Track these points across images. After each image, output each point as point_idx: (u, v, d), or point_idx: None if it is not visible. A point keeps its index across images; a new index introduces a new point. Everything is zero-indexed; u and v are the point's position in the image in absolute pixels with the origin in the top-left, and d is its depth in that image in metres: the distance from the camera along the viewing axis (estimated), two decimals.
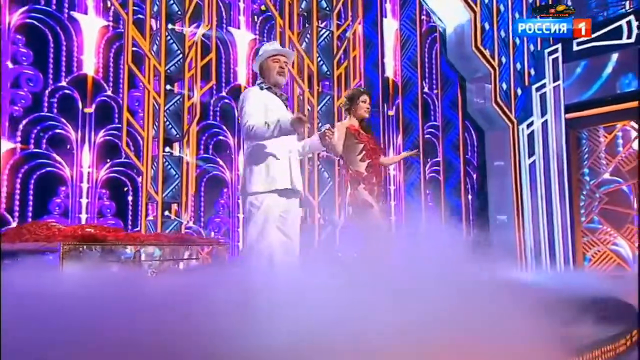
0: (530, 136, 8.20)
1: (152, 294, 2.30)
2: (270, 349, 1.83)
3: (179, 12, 6.84)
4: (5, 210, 5.78)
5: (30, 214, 5.96)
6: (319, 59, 7.79)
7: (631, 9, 8.50)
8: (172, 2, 6.77)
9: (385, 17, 8.80)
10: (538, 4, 8.23)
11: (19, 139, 5.94)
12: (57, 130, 6.23)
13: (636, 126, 8.32)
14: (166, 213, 6.61)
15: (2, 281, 2.17)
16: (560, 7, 6.75)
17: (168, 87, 6.75)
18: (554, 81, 8.40)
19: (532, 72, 8.54)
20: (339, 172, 7.27)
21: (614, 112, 8.18)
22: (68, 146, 6.30)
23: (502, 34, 8.02)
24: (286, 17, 7.70)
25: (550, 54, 8.40)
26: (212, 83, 7.09)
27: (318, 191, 7.48)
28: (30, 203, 5.99)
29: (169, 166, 6.61)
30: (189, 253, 5.44)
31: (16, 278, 2.53)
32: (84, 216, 6.29)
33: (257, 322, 1.86)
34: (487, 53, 7.77)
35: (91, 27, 6.57)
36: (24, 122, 5.98)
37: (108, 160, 6.53)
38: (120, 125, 6.50)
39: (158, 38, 6.67)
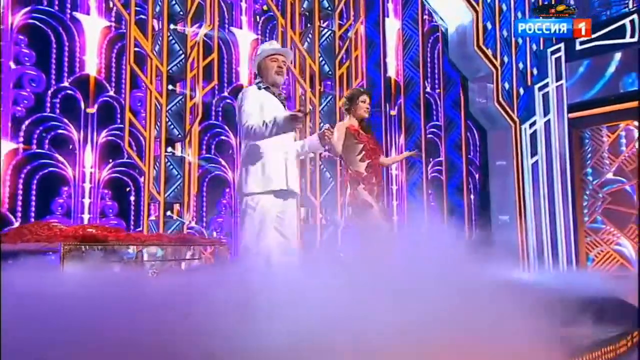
0: (533, 136, 8.18)
1: (151, 294, 2.30)
2: (269, 349, 1.83)
3: (181, 13, 6.85)
4: (8, 211, 5.79)
5: (32, 214, 5.98)
6: (321, 58, 7.79)
7: (634, 8, 8.46)
8: (174, 2, 6.78)
9: (387, 16, 8.79)
10: (540, 4, 8.20)
11: (21, 139, 5.96)
12: (60, 131, 6.25)
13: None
14: (168, 213, 6.62)
15: (2, 281, 2.18)
16: (561, 7, 6.73)
17: (170, 87, 6.76)
18: (557, 80, 8.37)
19: (535, 71, 8.52)
20: (340, 172, 7.27)
21: (617, 111, 8.15)
22: (70, 146, 6.32)
23: (505, 33, 8.00)
24: (288, 16, 7.70)
25: (553, 53, 8.37)
26: (214, 83, 7.10)
27: (320, 191, 7.48)
28: (33, 203, 6.01)
29: (171, 166, 6.62)
30: (191, 253, 5.44)
31: (16, 278, 2.54)
32: (86, 216, 6.30)
33: (255, 322, 1.86)
34: (489, 52, 7.75)
35: (93, 27, 6.59)
36: (26, 122, 5.99)
37: (110, 161, 6.55)
38: (122, 126, 6.52)
39: (160, 38, 6.68)
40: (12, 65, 5.94)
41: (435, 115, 9.28)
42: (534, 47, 8.54)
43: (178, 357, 1.66)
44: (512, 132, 8.01)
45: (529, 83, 8.44)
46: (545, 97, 8.33)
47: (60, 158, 6.20)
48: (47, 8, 6.27)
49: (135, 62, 6.50)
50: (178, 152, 6.81)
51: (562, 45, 8.34)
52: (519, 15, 8.17)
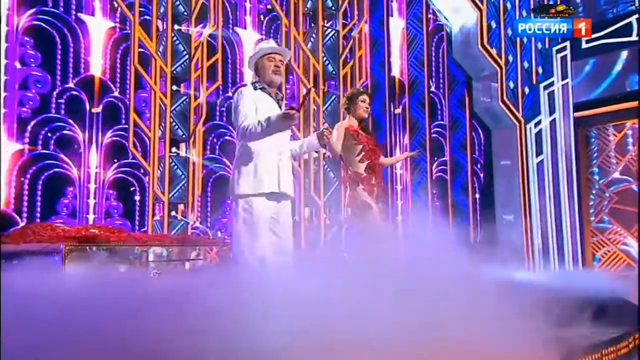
0: (538, 135, 8.12)
1: (148, 295, 2.31)
2: (264, 349, 1.83)
3: (185, 13, 6.88)
4: (14, 211, 5.84)
5: (38, 215, 6.02)
6: (325, 58, 7.78)
7: None
8: (178, 3, 6.80)
9: (392, 16, 8.77)
10: (545, 2, 8.15)
11: (27, 140, 6.00)
12: (65, 132, 6.29)
13: None
14: (173, 213, 6.64)
15: (2, 282, 2.20)
16: (561, 7, 6.68)
17: (174, 87, 6.79)
18: (563, 79, 8.30)
19: (540, 70, 8.46)
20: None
21: (624, 110, 8.07)
22: (76, 147, 6.35)
23: (509, 32, 7.95)
24: (292, 16, 7.71)
25: (558, 51, 8.30)
26: (218, 83, 7.11)
27: (324, 191, 7.48)
28: (39, 204, 6.05)
29: (176, 166, 6.65)
30: (196, 253, 5.45)
31: (16, 279, 2.56)
32: (91, 217, 6.34)
33: (250, 323, 1.87)
34: (493, 52, 7.70)
35: (98, 28, 6.62)
36: (32, 123, 6.04)
37: (115, 161, 6.58)
38: (127, 126, 6.55)
39: (164, 39, 6.70)
40: (18, 65, 5.99)
41: (440, 115, 9.25)
42: (539, 45, 8.47)
43: (172, 357, 1.67)
44: (516, 132, 7.96)
45: (534, 82, 8.38)
46: (551, 96, 8.26)
47: (66, 159, 6.24)
48: (52, 9, 6.31)
49: (139, 62, 6.53)
50: (182, 153, 6.83)
51: (567, 43, 8.27)
52: (524, 13, 8.12)
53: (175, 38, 6.73)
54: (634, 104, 7.53)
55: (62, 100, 6.31)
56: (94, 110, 6.47)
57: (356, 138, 3.77)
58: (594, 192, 8.65)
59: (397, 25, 8.87)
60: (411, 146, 8.62)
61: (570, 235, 8.04)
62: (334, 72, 7.88)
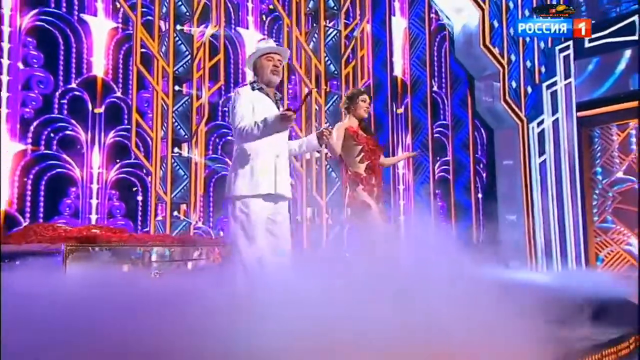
0: (541, 135, 8.09)
1: (148, 296, 2.31)
2: (260, 349, 1.83)
3: (187, 13, 6.88)
4: (17, 211, 5.86)
5: (41, 215, 6.04)
6: (327, 58, 7.78)
7: None
8: (180, 3, 6.80)
9: (394, 15, 8.76)
10: (548, 1, 8.12)
11: (29, 140, 6.02)
12: (68, 132, 6.30)
13: None
14: (175, 213, 6.65)
15: (2, 282, 2.21)
16: (560, 7, 6.66)
17: (177, 87, 6.79)
18: (565, 79, 8.27)
19: (543, 69, 8.44)
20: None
21: (627, 109, 8.04)
22: (78, 147, 6.37)
23: (512, 31, 7.93)
24: (293, 16, 7.70)
25: (561, 51, 8.28)
26: (220, 83, 7.12)
27: (326, 191, 7.48)
28: (41, 204, 6.07)
29: (178, 167, 6.65)
30: (198, 253, 5.46)
31: (17, 279, 2.57)
32: (94, 217, 6.35)
33: (247, 323, 1.87)
34: (495, 51, 7.68)
35: (101, 29, 6.63)
36: (34, 123, 6.05)
37: (117, 161, 6.60)
38: (129, 126, 6.56)
39: (166, 39, 6.71)
40: (21, 66, 6.01)
41: (442, 115, 9.23)
42: (542, 45, 8.45)
43: (168, 357, 1.67)
44: (519, 131, 7.94)
45: (537, 81, 8.36)
46: (554, 95, 8.23)
47: (68, 159, 6.25)
48: (54, 10, 6.33)
49: (142, 63, 6.54)
50: (185, 153, 6.83)
51: (570, 43, 8.24)
52: (527, 13, 8.09)
53: (177, 38, 6.73)
54: (638, 103, 7.49)
55: (65, 101, 6.32)
56: (96, 110, 6.49)
57: (356, 139, 3.76)
58: (597, 192, 8.62)
59: (399, 25, 8.85)
60: (413, 146, 8.60)
61: (573, 235, 8.02)
62: (336, 72, 7.88)
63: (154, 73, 6.62)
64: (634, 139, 8.46)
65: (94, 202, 6.38)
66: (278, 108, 3.11)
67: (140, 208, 6.75)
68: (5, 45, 5.92)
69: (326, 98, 7.71)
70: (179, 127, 6.70)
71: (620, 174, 8.49)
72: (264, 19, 7.94)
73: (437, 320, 2.38)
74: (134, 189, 6.69)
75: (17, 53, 5.98)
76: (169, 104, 6.63)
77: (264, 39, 7.75)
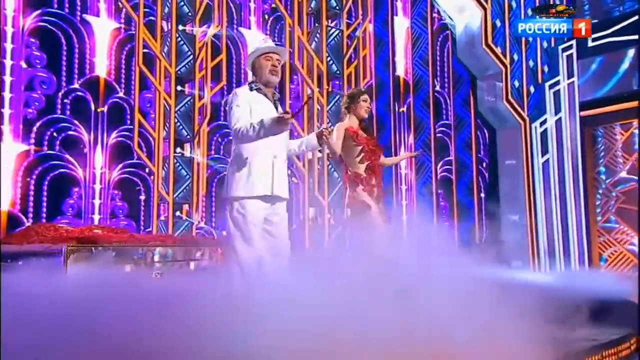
0: (544, 134, 8.06)
1: (147, 296, 2.32)
2: (254, 349, 1.84)
3: (190, 14, 6.89)
4: (20, 212, 5.88)
5: (44, 215, 6.06)
6: (329, 58, 7.77)
7: None
8: (182, 3, 6.81)
9: (396, 15, 8.74)
10: (551, 1, 8.08)
11: (32, 140, 6.04)
12: (70, 132, 6.33)
13: None
14: (177, 213, 6.66)
15: (1, 282, 2.22)
16: (560, 7, 6.64)
17: (179, 88, 6.80)
18: (568, 78, 8.24)
19: (546, 69, 8.40)
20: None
21: (631, 109, 8.00)
22: (81, 147, 6.39)
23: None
24: (295, 16, 7.70)
25: (564, 50, 8.24)
26: (222, 83, 7.12)
27: (328, 191, 7.47)
28: (44, 204, 6.09)
29: (180, 167, 6.66)
30: (200, 253, 5.46)
31: (17, 279, 2.58)
32: (96, 217, 6.37)
33: (244, 323, 1.87)
34: (498, 51, 7.66)
35: (103, 29, 6.66)
36: (37, 124, 6.08)
37: (120, 162, 6.61)
38: (132, 127, 6.58)
39: (169, 39, 6.72)
40: (24, 66, 6.03)
41: (444, 114, 9.22)
42: (545, 44, 8.41)
43: (163, 357, 1.67)
44: (521, 131, 7.91)
45: (540, 81, 8.33)
46: (557, 95, 8.19)
47: (71, 159, 6.28)
48: (57, 11, 6.35)
49: (144, 63, 6.56)
50: (187, 153, 6.84)
51: (574, 42, 8.20)
52: (529, 12, 8.06)
53: (179, 38, 6.74)
54: (638, 103, 7.45)
55: (68, 101, 6.35)
56: (99, 109, 6.51)
57: (355, 139, 3.74)
58: (600, 191, 8.59)
59: (401, 25, 8.84)
60: (416, 146, 8.59)
61: (576, 235, 7.99)
62: (338, 72, 7.87)
63: (157, 73, 6.63)
64: (637, 139, 8.41)
65: (97, 202, 6.40)
66: (276, 109, 3.09)
67: (142, 208, 6.77)
68: (8, 46, 5.95)
69: (328, 98, 7.71)
70: (181, 127, 6.71)
71: (623, 174, 8.45)
72: (266, 18, 7.95)
73: (437, 321, 2.37)
74: (137, 188, 6.71)
75: (20, 53, 6.01)
76: (172, 104, 6.64)
77: (265, 39, 7.77)
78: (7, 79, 5.90)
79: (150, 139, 6.65)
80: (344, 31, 7.98)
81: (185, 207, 6.78)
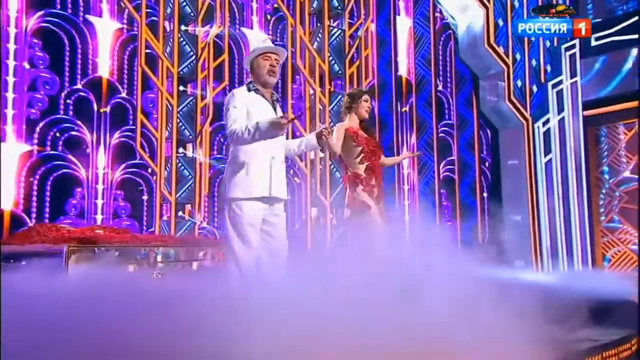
0: (546, 134, 8.02)
1: (144, 297, 2.32)
2: (258, 350, 1.84)
3: (192, 14, 6.90)
4: (23, 212, 5.90)
5: (47, 215, 6.08)
6: (331, 58, 7.77)
7: None
8: (184, 3, 6.82)
9: (399, 14, 8.74)
10: (555, 1, 8.05)
11: (35, 141, 6.07)
12: (73, 133, 6.35)
13: None
14: (180, 214, 6.67)
15: (1, 282, 2.22)
16: (560, 7, 6.61)
17: (181, 88, 6.82)
18: (571, 77, 8.19)
19: (549, 68, 8.37)
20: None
21: (634, 108, 7.95)
22: (84, 147, 6.41)
23: None
24: (297, 16, 7.70)
25: (567, 49, 8.20)
26: (225, 84, 7.13)
27: (330, 191, 7.47)
28: (47, 204, 6.12)
29: (183, 167, 6.68)
30: (203, 253, 5.47)
31: (17, 280, 2.59)
32: (99, 217, 6.39)
33: (241, 324, 1.87)
34: (500, 50, 7.63)
35: (106, 30, 6.68)
36: (40, 124, 6.11)
37: (123, 162, 6.63)
38: (134, 127, 6.59)
39: (171, 40, 6.73)
40: (27, 67, 6.05)
41: (447, 114, 9.21)
42: (548, 43, 8.37)
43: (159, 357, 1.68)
44: (524, 131, 7.88)
45: (543, 80, 8.29)
46: (559, 94, 8.15)
47: (74, 159, 6.30)
48: (60, 11, 6.37)
49: (146, 63, 6.57)
50: (189, 153, 6.85)
51: (577, 41, 8.16)
52: (531, 12, 8.02)
53: (182, 39, 6.76)
54: (638, 103, 7.41)
55: (70, 102, 6.37)
56: (101, 110, 6.53)
57: (355, 140, 3.73)
58: (604, 191, 8.55)
59: (404, 24, 8.84)
60: (418, 145, 8.59)
61: (580, 235, 7.95)
62: (340, 72, 7.87)
63: (159, 73, 6.65)
64: (637, 139, 8.36)
65: (99, 202, 6.42)
66: (275, 109, 3.08)
67: (145, 208, 6.79)
68: (12, 47, 5.97)
69: (330, 98, 7.71)
70: (183, 127, 6.72)
71: (627, 173, 8.40)
72: (269, 18, 7.96)
73: (437, 321, 2.37)
74: (140, 188, 6.72)
75: (23, 54, 6.04)
76: (174, 105, 6.65)
77: (264, 40, 7.77)
78: (10, 79, 5.93)
79: (153, 139, 6.66)
80: (346, 31, 7.98)
81: (188, 207, 6.79)
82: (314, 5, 7.87)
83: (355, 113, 3.87)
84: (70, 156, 6.27)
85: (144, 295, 2.34)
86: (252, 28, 7.76)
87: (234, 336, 1.88)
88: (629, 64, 8.11)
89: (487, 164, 9.02)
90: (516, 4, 7.91)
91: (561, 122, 8.10)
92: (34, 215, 5.97)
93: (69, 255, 3.52)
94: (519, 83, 7.91)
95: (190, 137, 6.79)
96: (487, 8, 7.50)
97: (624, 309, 3.62)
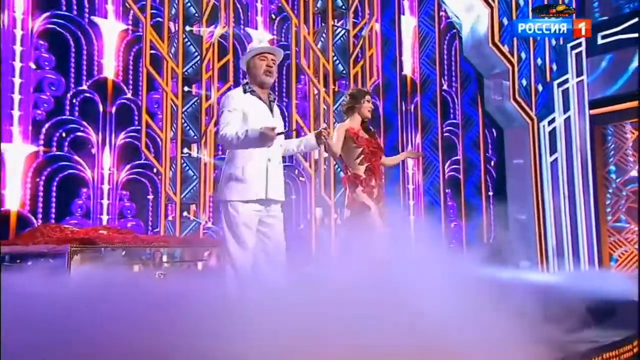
0: (552, 133, 7.98)
1: (143, 297, 2.34)
2: (255, 350, 1.85)
3: (196, 14, 6.91)
4: (29, 212, 5.95)
5: (53, 216, 6.13)
6: (335, 58, 7.76)
7: None
8: (189, 4, 6.84)
9: (403, 14, 8.73)
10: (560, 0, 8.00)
11: (41, 142, 6.11)
12: (79, 133, 6.39)
13: None
14: (185, 214, 6.69)
15: (1, 282, 2.24)
16: (560, 7, 6.58)
17: (186, 88, 6.83)
18: (577, 76, 8.14)
19: (554, 67, 8.31)
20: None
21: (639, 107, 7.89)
22: (89, 147, 6.45)
23: None
24: (301, 16, 7.70)
25: (573, 48, 8.14)
26: (229, 84, 7.13)
27: (334, 191, 7.47)
28: (53, 205, 6.16)
29: (187, 167, 6.69)
30: (207, 254, 5.48)
31: (17, 280, 2.61)
32: (105, 217, 6.42)
33: (238, 325, 1.88)
34: (505, 49, 7.59)
35: (111, 31, 6.72)
36: (46, 125, 6.15)
37: (128, 162, 6.67)
38: (139, 127, 6.62)
39: (176, 40, 6.75)
40: (33, 66, 6.10)
41: (452, 113, 9.18)
42: (554, 42, 8.32)
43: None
44: (529, 130, 7.84)
45: (548, 79, 8.24)
46: (565, 93, 8.09)
47: (80, 160, 6.34)
48: (65, 13, 6.41)
49: (151, 64, 6.59)
50: (194, 153, 6.87)
51: (583, 39, 8.10)
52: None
53: (186, 39, 6.77)
54: (637, 103, 7.34)
55: (76, 102, 6.41)
56: (107, 110, 6.57)
57: (356, 141, 3.70)
58: (610, 190, 8.49)
59: (408, 24, 8.82)
60: (423, 145, 8.57)
61: (586, 235, 7.89)
62: (344, 72, 7.86)
63: (164, 74, 6.67)
64: (638, 139, 8.30)
65: (105, 202, 6.46)
66: (271, 110, 3.07)
67: (150, 209, 6.82)
68: (18, 48, 6.02)
69: (334, 98, 7.70)
70: (188, 127, 6.74)
71: (634, 173, 8.34)
72: (273, 18, 7.96)
73: (437, 322, 2.37)
74: (147, 195, 6.75)
75: (29, 55, 6.08)
76: (179, 105, 6.67)
77: (273, 39, 7.78)
78: (17, 80, 5.98)
79: (158, 139, 6.69)
80: (351, 30, 7.96)
81: (193, 207, 6.81)
82: (318, 5, 7.87)
83: (358, 113, 3.85)
84: (75, 157, 6.31)
85: (144, 296, 2.35)
86: (256, 28, 7.77)
87: (229, 336, 1.89)
88: (635, 63, 8.05)
89: (492, 164, 8.99)
90: (521, 2, 7.86)
91: (567, 121, 8.05)
92: (40, 215, 6.02)
93: (71, 256, 3.54)
94: (524, 82, 7.87)
95: (195, 137, 6.80)
96: (491, 7, 7.46)
97: (627, 309, 3.59)
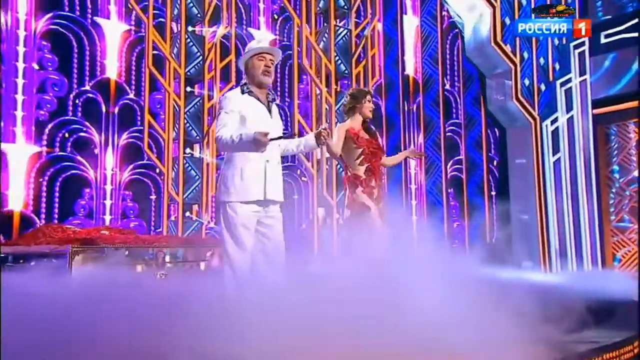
0: (555, 133, 7.95)
1: (143, 298, 2.34)
2: (254, 350, 1.85)
3: (199, 15, 6.93)
4: (33, 212, 5.97)
5: (56, 216, 6.15)
6: (337, 58, 7.76)
7: None
8: (191, 4, 6.86)
9: (406, 13, 8.72)
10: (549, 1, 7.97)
11: (44, 142, 6.14)
12: (82, 134, 6.41)
13: None
14: (187, 214, 6.70)
15: (1, 282, 2.26)
16: (560, 7, 6.57)
17: (188, 89, 6.85)
18: (580, 75, 8.11)
19: (557, 66, 8.28)
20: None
21: None
22: (92, 148, 6.47)
23: None
24: (303, 16, 7.71)
25: (576, 47, 8.11)
26: (231, 84, 7.14)
27: (336, 191, 7.47)
28: (56, 205, 6.18)
29: (190, 167, 6.71)
30: (210, 254, 5.49)
31: (17, 280, 2.62)
32: (107, 218, 6.44)
33: (235, 325, 1.89)
34: (507, 49, 7.57)
35: (114, 31, 6.74)
36: (49, 125, 6.18)
37: (131, 162, 6.68)
38: (142, 128, 6.64)
39: (178, 41, 6.77)
40: (36, 67, 6.12)
41: (454, 113, 9.17)
42: (556, 41, 8.29)
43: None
44: (532, 129, 7.82)
45: (551, 79, 8.21)
46: (568, 92, 8.06)
47: (83, 160, 6.36)
48: (68, 13, 6.44)
49: (154, 64, 6.61)
50: (196, 153, 6.88)
51: (586, 39, 8.07)
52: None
53: (189, 40, 6.79)
54: (637, 103, 7.31)
55: (79, 103, 6.44)
56: (110, 111, 6.59)
57: (356, 141, 3.69)
58: (614, 190, 8.45)
59: (411, 23, 8.81)
60: (425, 145, 8.56)
61: (589, 235, 7.87)
62: (346, 72, 7.86)
63: (166, 74, 6.69)
64: (638, 139, 8.26)
65: (108, 203, 6.48)
66: (270, 110, 3.06)
67: (153, 209, 6.83)
68: (21, 49, 6.05)
69: (336, 98, 7.70)
70: (190, 128, 6.76)
71: (637, 173, 8.30)
72: (276, 18, 7.97)
73: (436, 322, 2.37)
74: (150, 195, 6.77)
75: (32, 56, 6.11)
76: (181, 105, 6.69)
77: (276, 39, 7.79)
78: (20, 81, 6.01)
79: (160, 139, 6.71)
80: (353, 30, 7.97)
81: (195, 207, 6.82)
82: (320, 5, 7.87)
83: (359, 113, 3.84)
84: (78, 157, 6.34)
85: (144, 296, 2.36)
86: (259, 28, 7.78)
87: (229, 337, 1.90)
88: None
89: (494, 163, 8.97)
90: (523, 2, 7.84)
91: (570, 120, 8.02)
92: (43, 216, 6.04)
93: (72, 256, 3.56)
94: (527, 82, 7.84)
95: (198, 137, 6.82)
96: (494, 7, 7.45)
97: (628, 310, 3.58)
